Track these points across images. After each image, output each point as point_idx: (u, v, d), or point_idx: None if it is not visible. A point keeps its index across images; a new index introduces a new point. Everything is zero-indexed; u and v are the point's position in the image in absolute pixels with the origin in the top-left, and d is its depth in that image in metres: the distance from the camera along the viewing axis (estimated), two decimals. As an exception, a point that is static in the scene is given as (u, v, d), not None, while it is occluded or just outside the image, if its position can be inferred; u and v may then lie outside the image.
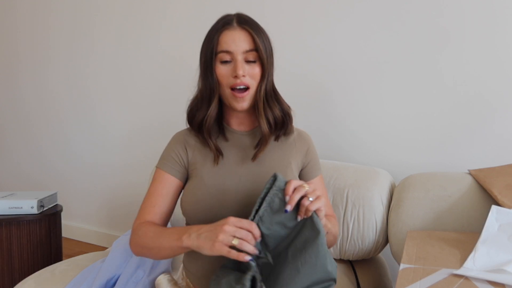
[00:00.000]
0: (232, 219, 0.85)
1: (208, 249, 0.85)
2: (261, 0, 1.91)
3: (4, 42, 2.88)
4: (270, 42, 1.05)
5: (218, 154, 1.05)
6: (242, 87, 1.00)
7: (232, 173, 1.05)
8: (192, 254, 1.07)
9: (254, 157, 1.05)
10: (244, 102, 1.02)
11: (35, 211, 1.82)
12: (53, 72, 2.69)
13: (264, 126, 1.04)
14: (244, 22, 1.02)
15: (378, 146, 1.73)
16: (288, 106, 1.09)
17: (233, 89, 1.01)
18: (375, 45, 1.70)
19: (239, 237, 0.83)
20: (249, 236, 0.84)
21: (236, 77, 0.99)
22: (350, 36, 1.75)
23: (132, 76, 2.41)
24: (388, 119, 1.71)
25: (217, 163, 1.05)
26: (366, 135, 1.75)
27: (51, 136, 2.75)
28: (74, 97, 2.63)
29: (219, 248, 0.83)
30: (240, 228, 0.84)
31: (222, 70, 1.01)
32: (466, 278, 0.90)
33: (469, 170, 1.35)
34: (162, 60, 2.29)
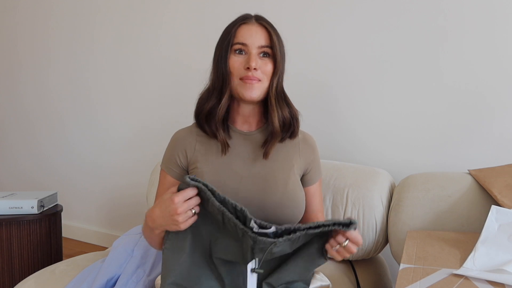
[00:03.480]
0: (176, 199, 0.87)
1: (177, 229, 0.90)
2: (261, 0, 1.91)
3: (4, 42, 2.88)
4: (284, 46, 1.07)
5: (226, 144, 1.05)
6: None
7: (233, 173, 1.04)
8: None
9: (265, 155, 1.05)
10: (253, 90, 1.01)
11: (35, 211, 1.81)
12: (54, 72, 2.69)
13: (276, 121, 1.04)
14: (263, 19, 1.06)
15: (379, 146, 1.73)
16: (297, 110, 1.09)
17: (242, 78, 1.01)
18: (375, 45, 1.70)
19: (192, 208, 0.88)
20: (194, 200, 0.89)
21: (248, 69, 1.00)
22: (350, 36, 1.75)
23: (132, 76, 2.41)
24: (388, 118, 1.71)
25: (225, 153, 1.05)
26: (366, 135, 1.75)
27: (51, 136, 2.75)
28: (75, 97, 2.63)
29: (186, 226, 0.89)
30: (187, 200, 0.88)
31: (235, 62, 1.02)
32: (466, 278, 0.90)
33: (469, 170, 1.35)
34: (162, 61, 2.29)
